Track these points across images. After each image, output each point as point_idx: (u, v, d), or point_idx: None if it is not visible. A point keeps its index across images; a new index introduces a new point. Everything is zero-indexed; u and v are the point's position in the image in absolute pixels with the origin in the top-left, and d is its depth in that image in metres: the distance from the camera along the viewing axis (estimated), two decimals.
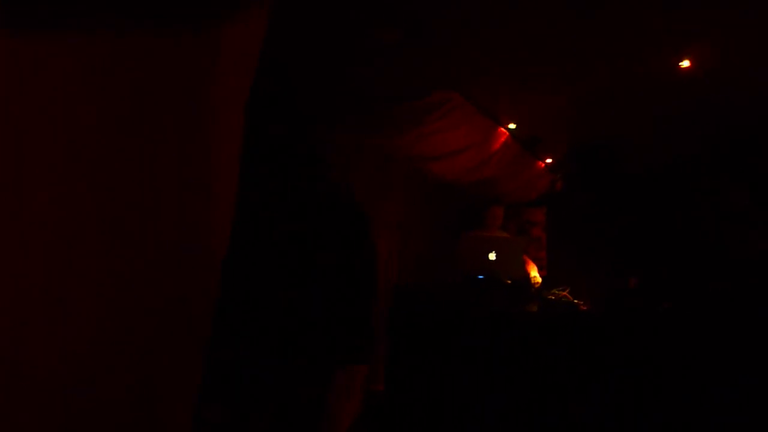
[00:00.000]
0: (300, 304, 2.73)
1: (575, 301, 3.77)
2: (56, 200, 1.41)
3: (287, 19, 2.17)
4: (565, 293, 3.86)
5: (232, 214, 1.73)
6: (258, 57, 1.77)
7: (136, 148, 1.54)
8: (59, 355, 1.42)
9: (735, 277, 4.23)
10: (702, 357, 3.09)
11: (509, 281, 3.98)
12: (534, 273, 4.67)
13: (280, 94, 2.98)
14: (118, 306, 1.51)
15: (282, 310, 2.74)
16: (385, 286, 3.94)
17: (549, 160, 5.79)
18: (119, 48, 1.48)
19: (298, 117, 3.20)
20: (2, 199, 1.33)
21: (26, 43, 1.34)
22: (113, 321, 1.51)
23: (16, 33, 1.32)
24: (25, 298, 1.38)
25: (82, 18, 1.41)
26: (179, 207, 1.61)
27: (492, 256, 4.01)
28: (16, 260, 1.36)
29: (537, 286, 4.43)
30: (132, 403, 1.54)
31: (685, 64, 3.25)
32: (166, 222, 1.59)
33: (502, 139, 4.70)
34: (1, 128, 1.34)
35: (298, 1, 2.43)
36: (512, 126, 4.62)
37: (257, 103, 1.86)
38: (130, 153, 1.53)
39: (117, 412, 1.52)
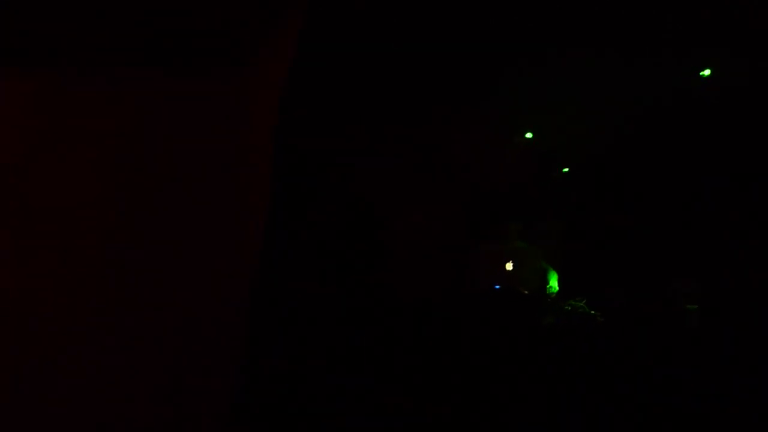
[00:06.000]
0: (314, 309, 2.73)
1: (592, 312, 3.72)
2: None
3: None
4: (581, 304, 3.80)
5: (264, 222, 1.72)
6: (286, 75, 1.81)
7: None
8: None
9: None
10: (733, 369, 3.02)
11: (526, 292, 3.95)
12: (553, 282, 4.61)
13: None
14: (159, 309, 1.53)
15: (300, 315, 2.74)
16: (403, 297, 3.93)
17: (566, 170, 5.74)
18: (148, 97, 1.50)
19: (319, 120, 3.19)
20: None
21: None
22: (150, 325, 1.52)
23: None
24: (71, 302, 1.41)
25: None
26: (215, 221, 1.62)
27: (509, 266, 3.98)
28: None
29: (553, 296, 4.38)
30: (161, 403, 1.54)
31: (706, 73, 3.22)
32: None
33: (518, 149, 4.68)
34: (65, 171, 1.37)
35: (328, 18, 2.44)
36: (529, 135, 4.60)
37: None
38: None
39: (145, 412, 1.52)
